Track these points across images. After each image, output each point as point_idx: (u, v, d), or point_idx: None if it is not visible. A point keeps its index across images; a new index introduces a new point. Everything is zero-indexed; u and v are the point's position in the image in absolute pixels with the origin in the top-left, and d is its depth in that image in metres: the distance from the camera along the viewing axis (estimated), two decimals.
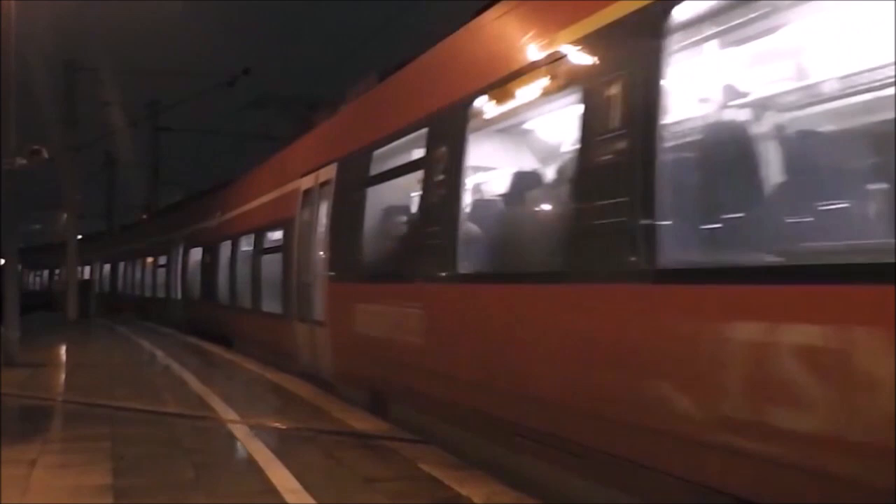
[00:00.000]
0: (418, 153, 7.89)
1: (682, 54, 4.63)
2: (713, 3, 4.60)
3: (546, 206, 6.62)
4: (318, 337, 10.55)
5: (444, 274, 6.94)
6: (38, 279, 58.26)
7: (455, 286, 6.82)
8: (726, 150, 4.75)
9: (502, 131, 7.49)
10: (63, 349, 16.92)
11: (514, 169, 7.41)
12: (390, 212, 9.11)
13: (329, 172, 10.59)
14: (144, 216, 40.90)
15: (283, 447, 7.02)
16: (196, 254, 20.86)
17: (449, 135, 7.09)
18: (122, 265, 35.02)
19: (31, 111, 24.39)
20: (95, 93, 31.74)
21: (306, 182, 11.66)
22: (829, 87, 4.59)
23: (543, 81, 5.74)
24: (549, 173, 6.93)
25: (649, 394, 4.47)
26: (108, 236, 44.94)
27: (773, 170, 4.71)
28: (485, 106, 6.72)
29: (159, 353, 15.51)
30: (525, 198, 6.96)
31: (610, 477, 4.87)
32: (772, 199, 4.54)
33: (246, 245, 15.68)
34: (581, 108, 5.26)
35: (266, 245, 14.14)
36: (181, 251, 22.62)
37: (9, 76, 14.39)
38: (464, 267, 6.71)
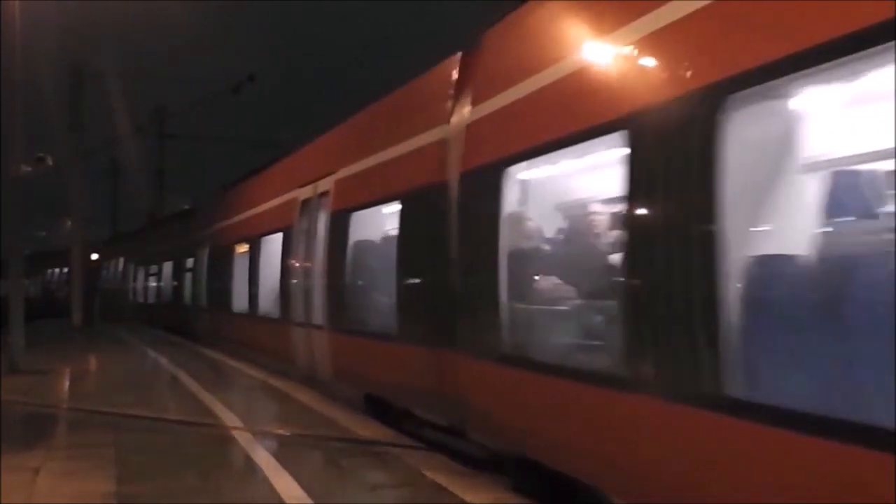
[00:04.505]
0: None
1: None
2: None
3: None
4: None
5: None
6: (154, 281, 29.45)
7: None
8: None
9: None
10: (67, 356, 16.92)
11: None
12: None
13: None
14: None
15: (287, 454, 7.01)
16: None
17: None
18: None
19: (38, 116, 24.52)
20: (101, 99, 31.89)
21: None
22: None
23: None
24: None
25: None
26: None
27: None
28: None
29: (163, 360, 15.52)
30: None
31: None
32: None
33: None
34: None
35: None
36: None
37: (12, 80, 14.45)
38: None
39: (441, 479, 6.03)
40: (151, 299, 28.19)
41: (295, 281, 11.84)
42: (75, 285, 27.36)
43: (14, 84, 14.56)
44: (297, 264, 11.74)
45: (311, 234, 11.16)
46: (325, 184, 10.68)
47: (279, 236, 12.89)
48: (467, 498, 5.55)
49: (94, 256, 38.48)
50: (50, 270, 50.40)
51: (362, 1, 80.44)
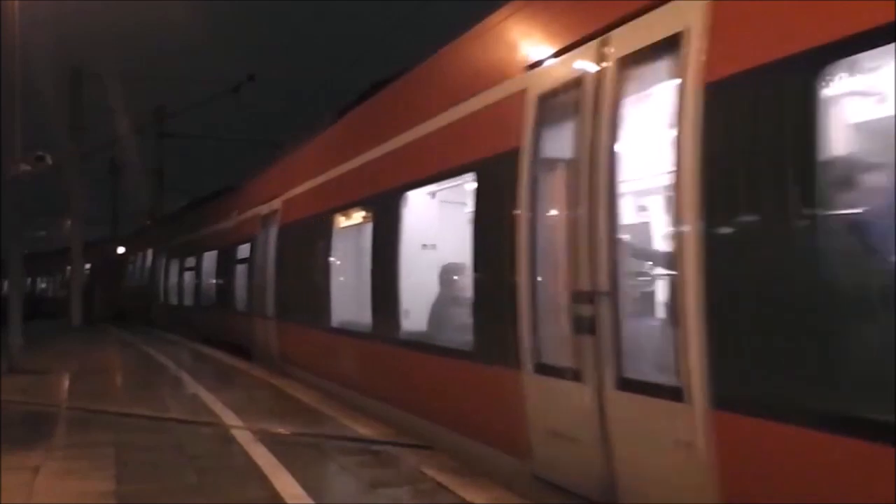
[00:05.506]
0: None
1: None
2: None
3: None
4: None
5: None
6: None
7: None
8: None
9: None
10: (66, 355, 16.92)
11: None
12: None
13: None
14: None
15: (287, 453, 7.00)
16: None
17: None
18: None
19: (39, 117, 24.51)
20: (101, 99, 31.90)
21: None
22: None
23: None
24: None
25: None
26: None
27: None
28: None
29: (162, 359, 15.51)
30: None
31: None
32: None
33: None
34: None
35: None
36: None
37: (11, 80, 14.45)
38: None
39: (441, 478, 6.03)
40: (188, 301, 21.87)
41: (530, 276, 5.38)
42: (75, 285, 27.39)
43: (14, 84, 14.56)
44: (528, 241, 5.42)
45: (579, 168, 4.85)
46: (630, 37, 4.55)
47: (454, 185, 7.10)
48: (467, 497, 5.55)
49: (121, 250, 36.34)
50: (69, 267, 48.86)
51: (362, 1, 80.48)
